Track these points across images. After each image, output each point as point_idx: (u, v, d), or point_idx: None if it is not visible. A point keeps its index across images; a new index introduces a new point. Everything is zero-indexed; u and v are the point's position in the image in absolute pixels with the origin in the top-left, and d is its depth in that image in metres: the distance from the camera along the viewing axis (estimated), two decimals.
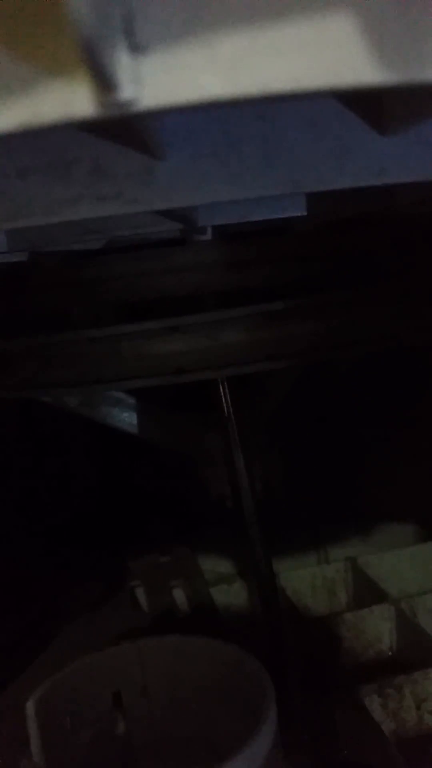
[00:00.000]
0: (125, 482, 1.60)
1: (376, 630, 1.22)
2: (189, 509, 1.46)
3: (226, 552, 1.44)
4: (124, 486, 1.59)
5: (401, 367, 1.34)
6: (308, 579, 1.37)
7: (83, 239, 0.68)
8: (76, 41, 0.24)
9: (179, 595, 1.33)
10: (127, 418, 1.18)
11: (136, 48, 0.25)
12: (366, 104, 0.38)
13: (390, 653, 1.23)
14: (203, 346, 0.84)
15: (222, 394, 0.99)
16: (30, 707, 0.57)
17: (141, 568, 1.40)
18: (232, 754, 0.47)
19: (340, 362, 1.26)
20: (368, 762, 0.93)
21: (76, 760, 0.59)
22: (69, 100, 0.26)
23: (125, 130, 0.38)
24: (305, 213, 0.61)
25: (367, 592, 1.30)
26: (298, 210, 0.60)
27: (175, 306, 0.91)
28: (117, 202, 0.41)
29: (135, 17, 0.25)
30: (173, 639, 0.68)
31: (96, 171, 0.41)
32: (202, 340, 0.84)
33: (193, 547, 1.45)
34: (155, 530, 1.52)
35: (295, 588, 1.33)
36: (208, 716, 0.59)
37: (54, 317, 1.01)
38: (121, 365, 0.87)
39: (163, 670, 0.64)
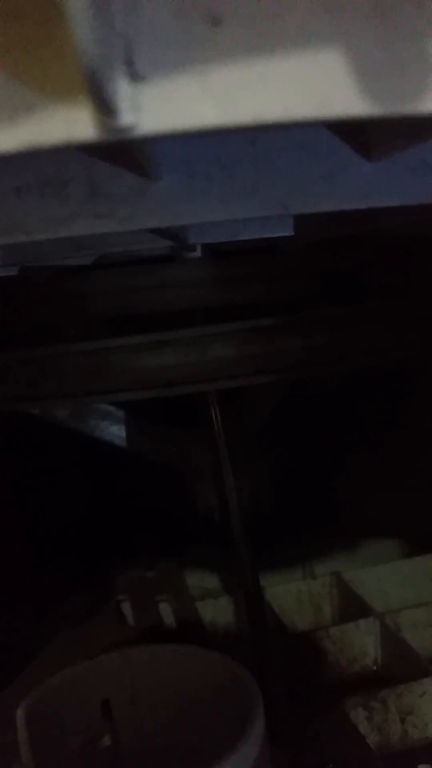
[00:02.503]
0: (112, 496, 1.60)
1: (361, 644, 1.23)
2: (176, 524, 1.47)
3: (212, 567, 1.44)
4: (111, 500, 1.60)
5: (387, 383, 1.36)
6: (294, 594, 1.37)
7: (75, 255, 0.69)
8: (79, 69, 0.25)
9: (165, 609, 1.33)
10: (115, 432, 1.19)
11: (136, 77, 0.27)
12: (353, 132, 0.40)
13: (375, 667, 1.23)
14: (193, 360, 0.85)
15: (211, 407, 1.00)
16: (20, 714, 0.57)
17: (127, 582, 1.40)
18: (219, 760, 0.48)
19: (327, 378, 1.28)
20: None
21: (66, 767, 0.60)
22: (71, 123, 0.27)
23: (122, 152, 0.40)
24: (293, 233, 0.63)
25: (352, 606, 1.31)
26: (286, 230, 0.62)
27: (165, 322, 0.92)
28: (112, 220, 0.42)
29: (135, 48, 0.26)
30: (162, 648, 0.69)
31: (92, 190, 0.42)
32: (191, 354, 0.85)
33: (179, 563, 1.45)
34: (142, 545, 1.52)
35: (280, 603, 1.34)
36: (197, 724, 0.60)
37: (44, 331, 1.02)
38: (111, 378, 0.88)
39: (152, 679, 0.64)
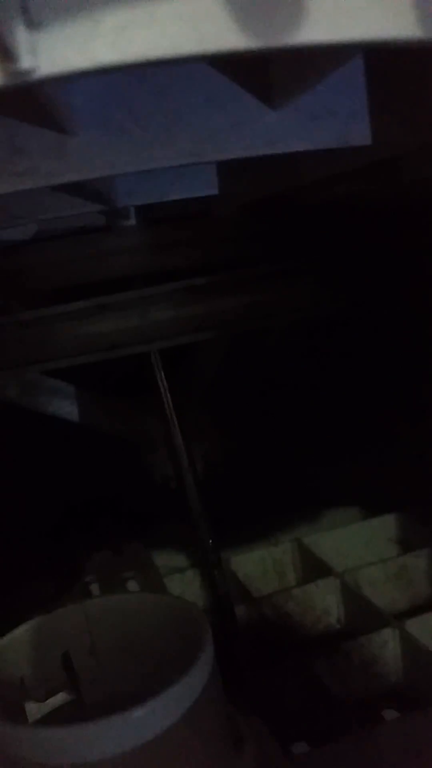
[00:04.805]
0: (73, 480, 1.60)
1: (323, 604, 1.27)
2: (138, 503, 1.48)
3: (178, 546, 1.46)
4: (73, 484, 1.60)
5: (339, 349, 1.39)
6: (258, 562, 1.41)
7: (12, 225, 0.71)
8: None
9: (133, 586, 1.35)
10: (67, 407, 1.20)
11: (32, 24, 0.29)
12: (255, 79, 0.43)
13: (338, 625, 1.27)
14: (134, 324, 0.88)
15: (155, 370, 1.03)
16: None
17: (94, 563, 1.42)
18: (168, 685, 0.50)
19: (268, 337, 1.30)
20: (319, 722, 0.97)
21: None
22: None
23: (38, 108, 0.41)
24: (217, 192, 0.65)
25: (314, 569, 1.35)
26: (211, 189, 0.65)
27: (106, 290, 0.94)
28: (33, 177, 0.44)
29: None
30: (118, 597, 0.71)
31: (12, 149, 0.44)
32: (132, 317, 0.87)
33: (145, 543, 1.47)
34: (107, 528, 1.53)
35: (245, 571, 1.37)
36: (153, 664, 0.62)
37: None
38: (55, 346, 0.90)
39: (109, 627, 0.67)
